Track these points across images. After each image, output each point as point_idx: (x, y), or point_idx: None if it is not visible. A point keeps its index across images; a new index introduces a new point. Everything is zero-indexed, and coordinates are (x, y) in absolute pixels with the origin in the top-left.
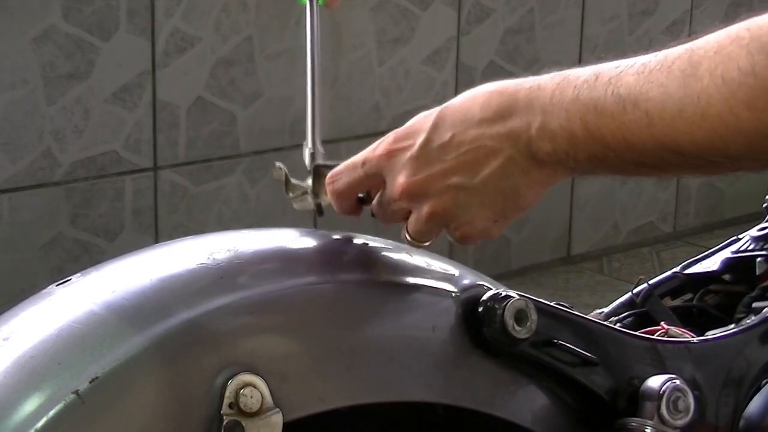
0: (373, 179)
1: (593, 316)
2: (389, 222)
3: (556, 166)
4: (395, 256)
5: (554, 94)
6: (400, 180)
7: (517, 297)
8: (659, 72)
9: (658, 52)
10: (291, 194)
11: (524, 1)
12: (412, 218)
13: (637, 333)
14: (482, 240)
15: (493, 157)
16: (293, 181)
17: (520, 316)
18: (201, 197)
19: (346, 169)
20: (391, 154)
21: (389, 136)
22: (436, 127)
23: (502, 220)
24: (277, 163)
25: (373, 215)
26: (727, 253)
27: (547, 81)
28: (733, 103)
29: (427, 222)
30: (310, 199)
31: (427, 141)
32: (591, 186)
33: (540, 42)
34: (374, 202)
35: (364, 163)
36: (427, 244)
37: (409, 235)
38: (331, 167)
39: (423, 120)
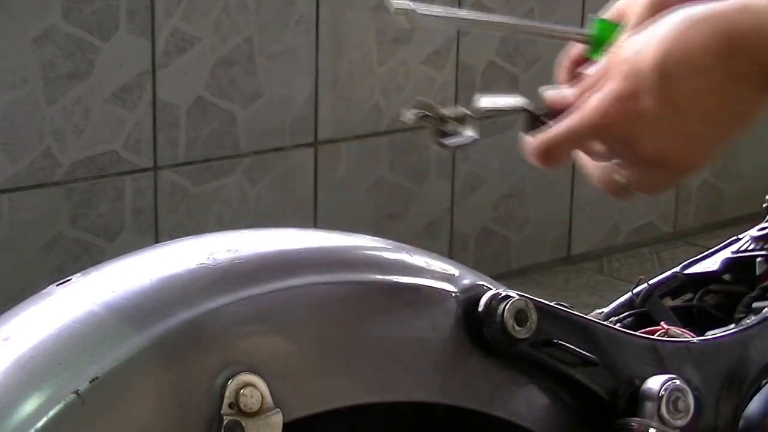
0: (601, 144)
1: (593, 316)
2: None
3: None
4: (395, 256)
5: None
6: (638, 147)
7: (517, 297)
8: None
9: None
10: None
11: (524, 1)
12: (642, 179)
13: (637, 333)
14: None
15: (733, 102)
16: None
17: (520, 316)
18: (201, 197)
19: (564, 138)
20: (621, 118)
21: (609, 95)
22: (664, 82)
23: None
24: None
25: None
26: (727, 253)
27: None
28: None
29: (665, 182)
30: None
31: (660, 100)
32: (591, 186)
33: (540, 42)
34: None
35: (589, 129)
36: None
37: (629, 184)
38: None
39: (642, 72)
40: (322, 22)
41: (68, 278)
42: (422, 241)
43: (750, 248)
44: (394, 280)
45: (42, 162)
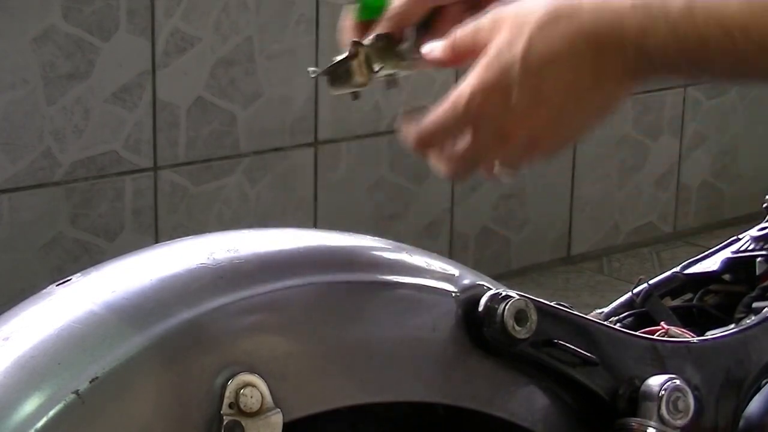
0: (469, 132)
1: (593, 316)
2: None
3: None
4: (395, 256)
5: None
6: (501, 129)
7: (517, 297)
8: None
9: None
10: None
11: None
12: (506, 153)
13: (637, 333)
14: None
15: (595, 89)
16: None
17: (520, 316)
18: (201, 197)
19: (435, 127)
20: (486, 107)
21: (477, 83)
22: (527, 71)
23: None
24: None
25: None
26: (727, 253)
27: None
28: None
29: (525, 157)
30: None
31: (524, 88)
32: (591, 186)
33: None
34: (456, 154)
35: (457, 118)
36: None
37: (501, 168)
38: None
39: (507, 58)
40: (322, 22)
41: (68, 278)
42: (422, 241)
43: (750, 248)
44: (394, 280)
45: (42, 162)
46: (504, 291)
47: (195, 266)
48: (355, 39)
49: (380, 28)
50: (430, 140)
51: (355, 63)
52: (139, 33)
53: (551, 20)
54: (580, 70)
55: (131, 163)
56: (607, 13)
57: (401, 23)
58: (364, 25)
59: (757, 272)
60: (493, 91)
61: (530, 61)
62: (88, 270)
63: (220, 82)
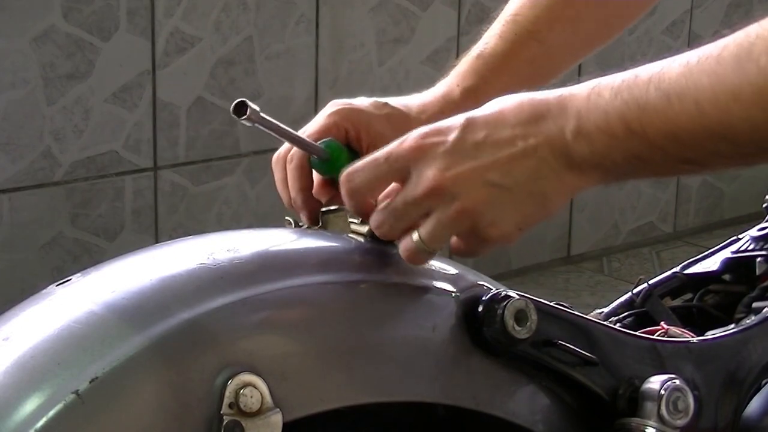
0: (398, 174)
1: (593, 316)
2: (391, 235)
3: (591, 170)
4: (395, 256)
5: (590, 97)
6: (430, 173)
7: (517, 297)
8: (707, 62)
9: (696, 50)
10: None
11: None
12: (432, 220)
13: (637, 333)
14: (492, 248)
15: (528, 157)
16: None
17: (520, 316)
18: (201, 197)
19: (366, 165)
20: (422, 148)
21: (415, 133)
22: (468, 126)
23: (525, 227)
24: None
25: (369, 236)
26: (727, 253)
27: (579, 87)
28: None
29: (453, 220)
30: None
31: (461, 138)
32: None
33: None
34: (382, 206)
35: (388, 157)
36: (434, 255)
37: (423, 240)
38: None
39: (451, 121)
40: (322, 22)
41: (68, 278)
42: None
43: (750, 248)
44: (394, 280)
45: (42, 162)
46: (504, 291)
47: (195, 266)
48: (323, 209)
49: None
50: (357, 181)
51: (330, 224)
52: (139, 33)
53: (505, 99)
54: (516, 129)
55: (131, 163)
56: (558, 90)
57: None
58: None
59: (757, 272)
60: (429, 134)
61: (474, 117)
62: (88, 270)
63: (220, 82)
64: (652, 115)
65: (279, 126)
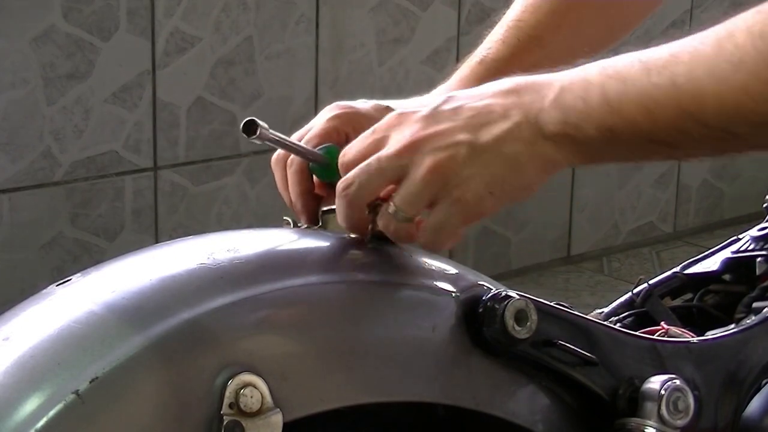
0: (381, 143)
1: (593, 316)
2: (358, 199)
3: (563, 141)
4: (395, 256)
5: (577, 72)
6: (407, 132)
7: (517, 297)
8: (691, 42)
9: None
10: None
11: None
12: (405, 182)
13: (637, 333)
14: (470, 218)
15: (503, 120)
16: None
17: (520, 316)
18: (201, 197)
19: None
20: (401, 116)
21: (393, 114)
22: (449, 98)
23: (498, 194)
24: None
25: (370, 236)
26: (727, 253)
27: (567, 70)
28: (763, 48)
29: (425, 180)
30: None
31: (440, 105)
32: (591, 186)
33: None
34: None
35: (373, 132)
36: (413, 226)
37: (398, 206)
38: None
39: (434, 95)
40: (322, 22)
41: (68, 278)
42: None
43: (750, 248)
44: (395, 280)
45: (42, 162)
46: (504, 291)
47: (195, 266)
48: (323, 209)
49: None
50: (352, 164)
51: (329, 224)
52: (139, 33)
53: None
54: (490, 94)
55: (131, 163)
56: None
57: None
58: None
59: (757, 272)
60: (407, 113)
61: (452, 94)
62: (88, 270)
63: (220, 82)
64: (630, 87)
65: (286, 141)
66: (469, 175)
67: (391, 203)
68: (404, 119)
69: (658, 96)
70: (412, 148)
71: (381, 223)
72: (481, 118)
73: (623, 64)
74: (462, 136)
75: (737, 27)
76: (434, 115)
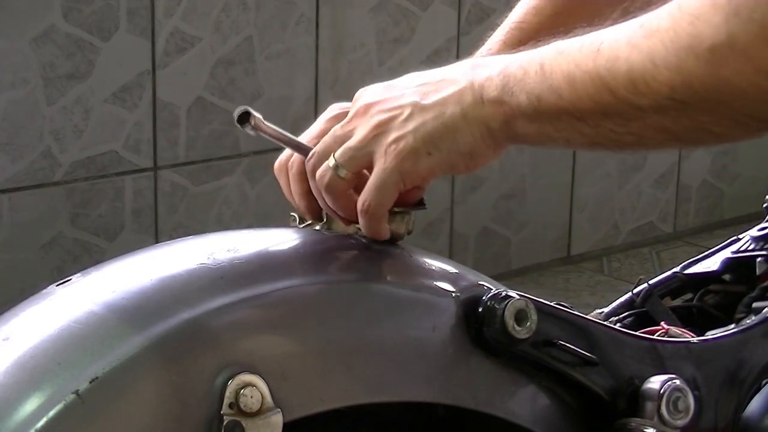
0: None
1: (593, 316)
2: (315, 170)
3: (498, 107)
4: (395, 256)
5: (531, 53)
6: (361, 102)
7: (517, 297)
8: (627, 20)
9: None
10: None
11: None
12: (350, 140)
13: (637, 333)
14: (409, 177)
15: (451, 86)
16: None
17: (520, 316)
18: (201, 197)
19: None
20: (362, 92)
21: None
22: (412, 75)
23: (436, 155)
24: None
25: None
26: (727, 253)
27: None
28: (678, 16)
29: (364, 136)
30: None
31: (401, 80)
32: (591, 186)
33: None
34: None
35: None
36: (347, 184)
37: (337, 159)
38: None
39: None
40: (322, 22)
41: (68, 278)
42: (422, 241)
43: (750, 248)
44: (394, 280)
45: (42, 162)
46: (504, 291)
47: (195, 266)
48: None
49: None
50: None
51: (333, 221)
52: (139, 33)
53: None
54: (450, 69)
55: (131, 163)
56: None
57: None
58: None
59: (757, 272)
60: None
61: (415, 74)
62: (88, 270)
63: (220, 82)
64: (563, 56)
65: (281, 133)
66: (407, 130)
67: (332, 156)
68: (364, 93)
69: (581, 60)
70: (364, 111)
71: (317, 174)
72: (432, 86)
73: (567, 40)
74: (408, 99)
75: (662, 7)
76: (395, 86)
